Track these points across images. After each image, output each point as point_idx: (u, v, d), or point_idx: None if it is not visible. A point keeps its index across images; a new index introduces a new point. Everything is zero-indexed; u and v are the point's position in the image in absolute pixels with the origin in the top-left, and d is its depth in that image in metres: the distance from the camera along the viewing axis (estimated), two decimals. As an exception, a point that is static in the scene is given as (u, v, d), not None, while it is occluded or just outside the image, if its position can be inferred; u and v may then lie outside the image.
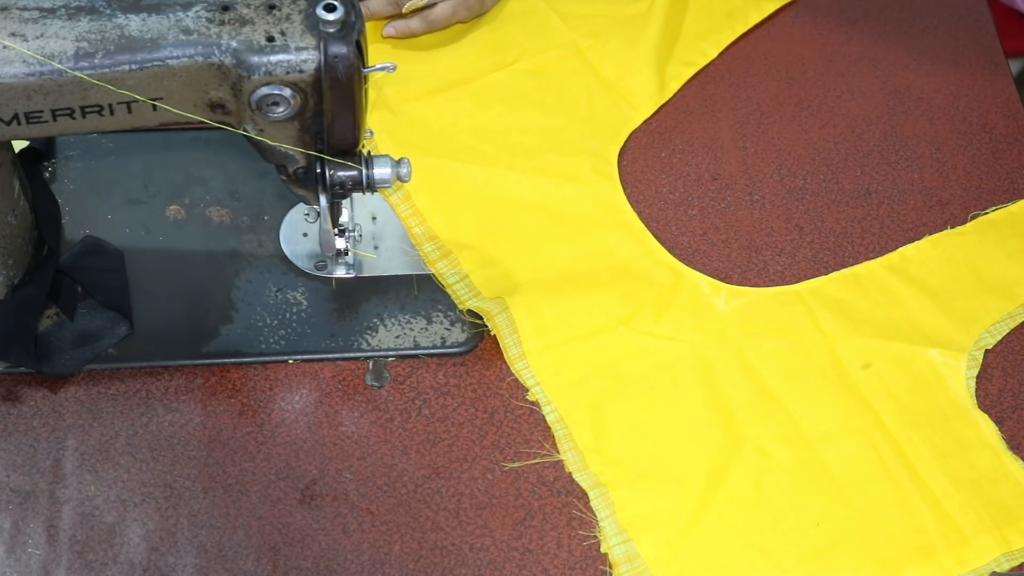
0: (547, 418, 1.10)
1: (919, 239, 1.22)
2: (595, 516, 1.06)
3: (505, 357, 1.13)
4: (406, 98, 1.26)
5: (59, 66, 0.93)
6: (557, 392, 1.11)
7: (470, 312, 1.15)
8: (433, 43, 1.31)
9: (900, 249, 1.21)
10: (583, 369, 1.13)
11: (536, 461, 1.09)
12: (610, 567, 1.04)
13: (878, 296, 1.18)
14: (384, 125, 1.25)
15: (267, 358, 1.12)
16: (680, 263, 1.20)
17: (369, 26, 1.30)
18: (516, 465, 1.08)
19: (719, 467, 1.09)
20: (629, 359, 1.14)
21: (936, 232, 1.23)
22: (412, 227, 1.19)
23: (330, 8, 0.95)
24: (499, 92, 1.29)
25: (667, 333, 1.15)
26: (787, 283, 1.19)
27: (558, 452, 1.09)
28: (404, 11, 1.28)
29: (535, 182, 1.23)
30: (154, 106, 0.96)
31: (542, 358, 1.13)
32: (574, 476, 1.08)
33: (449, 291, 1.16)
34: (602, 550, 1.05)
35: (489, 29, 1.33)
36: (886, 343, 1.15)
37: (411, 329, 1.14)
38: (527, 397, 1.11)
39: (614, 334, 1.15)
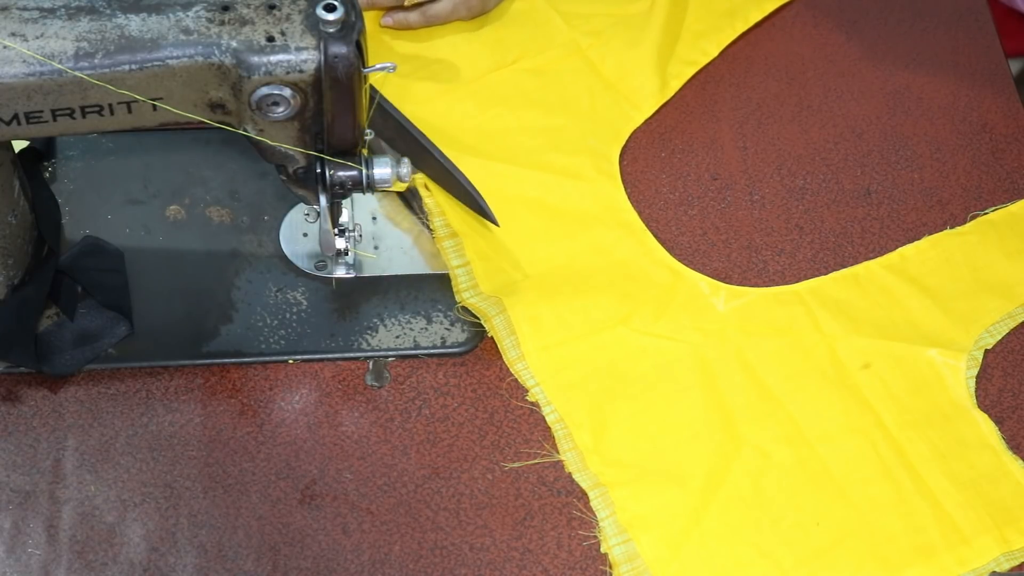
0: (547, 418, 1.11)
1: (919, 239, 1.22)
2: (595, 516, 1.06)
3: (504, 358, 1.13)
4: (407, 99, 1.26)
5: (59, 66, 0.93)
6: (556, 392, 1.11)
7: (466, 310, 1.15)
8: (433, 43, 1.31)
9: (900, 249, 1.21)
10: (582, 369, 1.13)
11: (536, 461, 1.09)
12: (610, 567, 1.04)
13: (878, 296, 1.18)
14: None
15: (267, 358, 1.12)
16: (679, 263, 1.19)
17: (369, 17, 1.30)
18: (516, 465, 1.08)
19: (719, 467, 1.09)
20: (628, 359, 1.14)
21: (936, 232, 1.23)
22: (426, 197, 1.19)
23: (330, 8, 0.95)
24: (500, 91, 1.29)
25: (666, 333, 1.15)
26: (787, 283, 1.19)
27: (558, 452, 1.09)
28: (406, 3, 1.28)
29: (536, 178, 1.23)
30: (154, 106, 0.96)
31: (541, 359, 1.13)
32: (574, 476, 1.08)
33: (451, 274, 1.16)
34: (602, 550, 1.05)
35: (490, 29, 1.32)
36: (886, 343, 1.15)
37: (411, 329, 1.14)
38: (527, 398, 1.11)
39: (613, 334, 1.15)
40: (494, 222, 1.17)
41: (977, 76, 1.33)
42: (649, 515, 1.06)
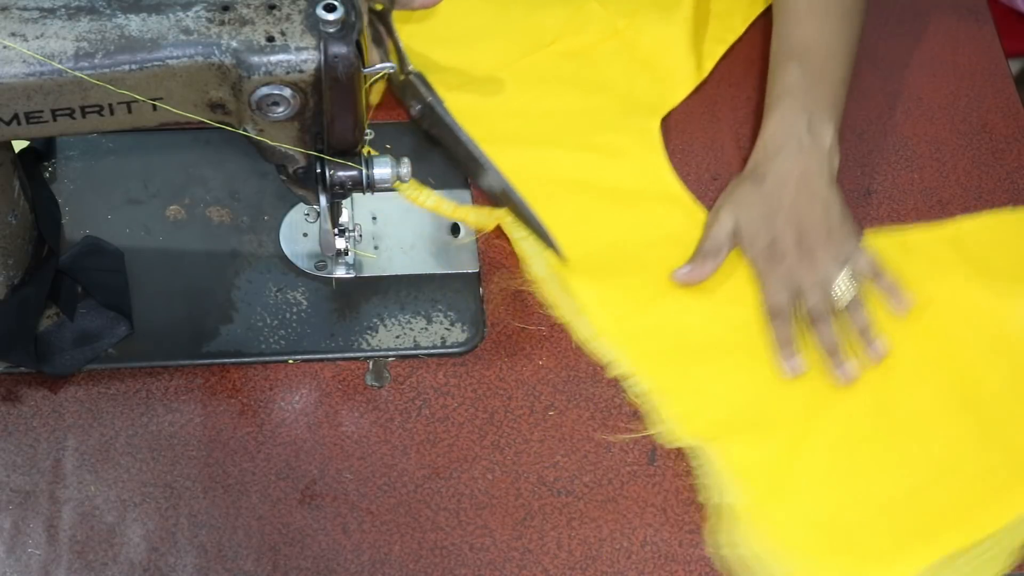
0: (632, 391, 1.11)
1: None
2: (694, 475, 1.08)
3: (575, 338, 1.14)
4: (446, 87, 1.24)
5: (59, 66, 0.93)
6: (639, 361, 1.13)
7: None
8: (469, 28, 1.31)
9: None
10: (658, 338, 1.14)
11: (631, 436, 1.09)
12: (712, 521, 1.06)
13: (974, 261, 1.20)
14: None
15: (267, 358, 1.12)
16: None
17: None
18: (621, 438, 1.09)
19: (807, 418, 1.11)
20: (700, 325, 1.16)
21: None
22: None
23: (330, 8, 0.95)
24: (537, 74, 1.29)
25: (732, 298, 1.17)
26: (787, 283, 1.20)
27: (645, 427, 1.10)
28: None
29: (578, 158, 1.23)
30: (154, 106, 0.97)
31: (616, 332, 1.14)
32: (670, 441, 1.09)
33: (515, 246, 1.17)
34: (707, 504, 1.06)
35: (525, 11, 1.32)
36: (972, 288, 1.18)
37: (411, 329, 1.14)
38: (606, 375, 1.12)
39: (679, 304, 1.16)
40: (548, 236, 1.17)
41: (977, 76, 1.33)
42: (750, 467, 1.08)
